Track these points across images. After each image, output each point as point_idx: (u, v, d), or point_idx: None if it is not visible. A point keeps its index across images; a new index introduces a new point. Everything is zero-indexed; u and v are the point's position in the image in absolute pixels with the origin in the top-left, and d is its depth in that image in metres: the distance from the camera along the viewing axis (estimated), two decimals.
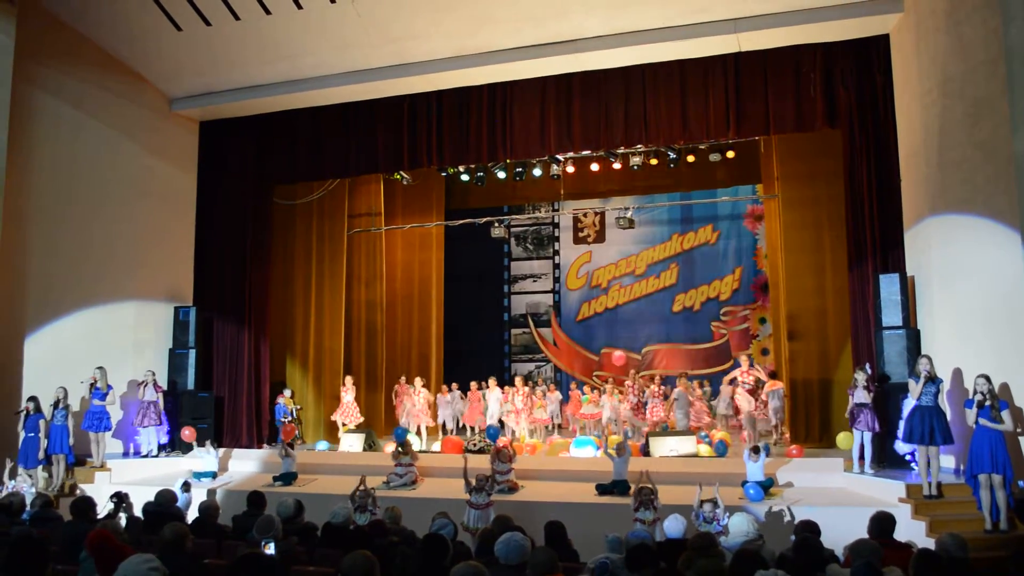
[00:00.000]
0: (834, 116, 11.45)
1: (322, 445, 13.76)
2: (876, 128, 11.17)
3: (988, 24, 8.83)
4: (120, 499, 7.63)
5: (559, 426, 15.25)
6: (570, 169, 16.03)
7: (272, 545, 4.73)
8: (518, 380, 14.60)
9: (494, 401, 14.32)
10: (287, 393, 14.56)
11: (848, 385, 10.33)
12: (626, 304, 17.84)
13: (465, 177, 16.57)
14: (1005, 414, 7.93)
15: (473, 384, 14.72)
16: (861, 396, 9.85)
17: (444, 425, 15.00)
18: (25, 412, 11.04)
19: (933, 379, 8.77)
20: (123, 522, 6.97)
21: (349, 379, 14.63)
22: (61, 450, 11.26)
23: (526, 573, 4.31)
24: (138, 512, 7.57)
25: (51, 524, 6.82)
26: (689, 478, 9.68)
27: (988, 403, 7.94)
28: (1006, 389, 8.45)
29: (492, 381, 14.62)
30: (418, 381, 14.67)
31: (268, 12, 11.64)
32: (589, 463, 11.57)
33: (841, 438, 11.59)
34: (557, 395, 15.26)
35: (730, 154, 15.26)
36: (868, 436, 9.92)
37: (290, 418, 14.12)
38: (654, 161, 15.51)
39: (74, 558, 5.36)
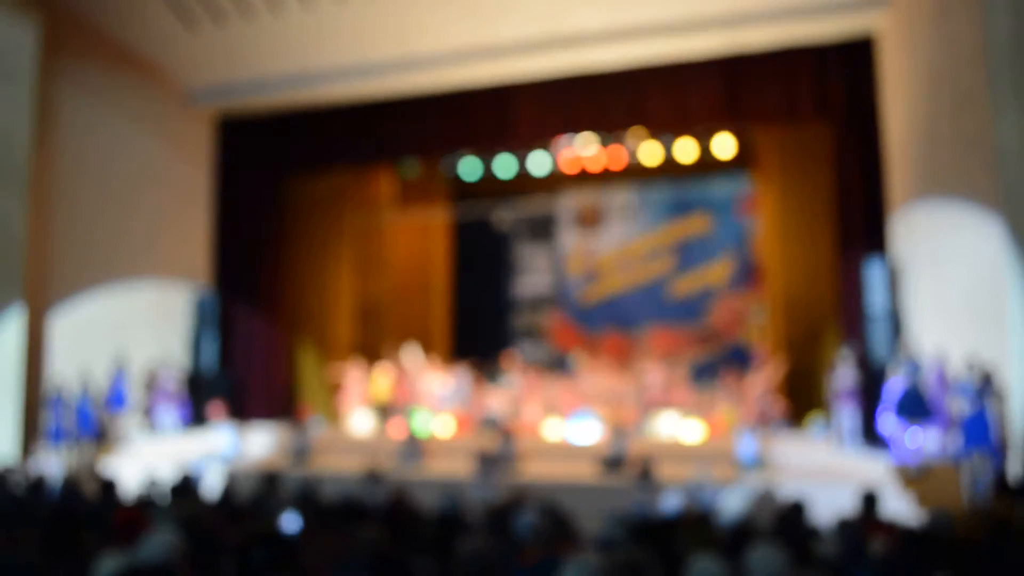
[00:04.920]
0: (824, 110, 11.77)
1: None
2: (865, 120, 11.45)
3: (973, 16, 9.01)
4: (152, 480, 7.90)
5: None
6: (570, 157, 16.33)
7: (297, 519, 4.93)
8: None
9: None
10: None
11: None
12: (623, 289, 18.09)
13: (469, 167, 16.91)
14: (991, 396, 8.23)
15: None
16: (842, 376, 10.15)
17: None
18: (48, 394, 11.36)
19: (914, 360, 9.08)
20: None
21: (355, 366, 14.79)
22: (84, 430, 11.59)
23: (527, 550, 4.49)
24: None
25: (77, 503, 7.09)
26: (684, 456, 10.01)
27: (978, 385, 8.24)
28: (990, 371, 8.73)
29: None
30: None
31: (282, 10, 12.06)
32: (588, 440, 11.82)
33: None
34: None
35: (725, 142, 15.45)
36: (851, 414, 10.23)
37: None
38: (651, 149, 15.75)
39: (100, 536, 5.62)
